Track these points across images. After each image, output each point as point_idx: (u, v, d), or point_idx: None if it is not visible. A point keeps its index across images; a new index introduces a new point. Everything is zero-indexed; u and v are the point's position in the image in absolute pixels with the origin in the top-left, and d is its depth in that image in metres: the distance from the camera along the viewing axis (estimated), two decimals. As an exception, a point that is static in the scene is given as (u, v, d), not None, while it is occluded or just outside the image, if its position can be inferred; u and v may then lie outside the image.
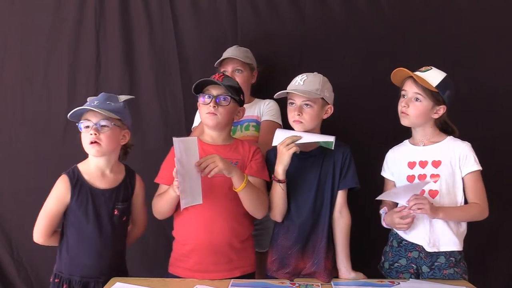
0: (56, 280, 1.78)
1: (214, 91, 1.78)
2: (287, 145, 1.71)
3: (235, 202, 1.75)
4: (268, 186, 1.82)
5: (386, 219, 1.85)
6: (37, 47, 2.54)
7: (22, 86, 2.56)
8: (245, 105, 2.20)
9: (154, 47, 2.52)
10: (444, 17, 2.43)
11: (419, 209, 1.71)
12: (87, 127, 1.73)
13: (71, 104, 2.52)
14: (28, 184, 2.55)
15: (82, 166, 1.80)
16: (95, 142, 1.71)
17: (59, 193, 1.75)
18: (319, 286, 1.74)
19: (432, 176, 1.82)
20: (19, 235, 2.59)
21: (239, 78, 2.20)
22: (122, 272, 1.84)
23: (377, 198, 1.81)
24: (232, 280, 1.75)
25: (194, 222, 1.76)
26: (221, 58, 2.25)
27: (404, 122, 1.86)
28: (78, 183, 1.75)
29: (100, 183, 1.77)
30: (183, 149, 1.59)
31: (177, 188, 1.60)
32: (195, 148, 1.63)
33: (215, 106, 1.76)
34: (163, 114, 2.53)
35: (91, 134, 1.71)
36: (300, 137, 1.72)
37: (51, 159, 2.52)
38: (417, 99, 1.81)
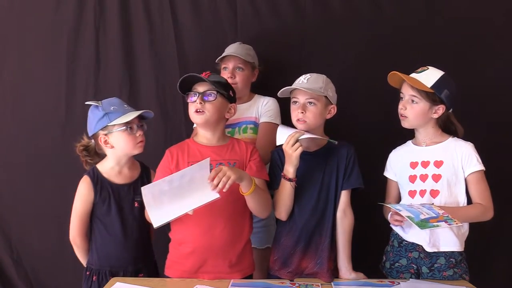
0: (87, 273, 1.90)
1: (200, 88, 1.76)
2: (292, 145, 1.70)
3: (236, 204, 1.75)
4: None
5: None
6: (36, 47, 2.53)
7: (22, 86, 2.55)
8: (244, 104, 2.20)
9: (154, 47, 2.51)
10: (445, 17, 2.42)
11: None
12: None
13: (71, 104, 2.53)
14: (28, 184, 2.55)
15: (100, 166, 1.91)
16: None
17: (84, 193, 1.87)
18: (319, 286, 1.74)
19: (434, 176, 1.82)
20: (19, 235, 2.60)
21: (239, 76, 2.20)
22: (150, 263, 1.96)
23: (383, 204, 1.79)
24: (232, 280, 1.75)
25: (194, 225, 1.74)
26: (223, 55, 2.24)
27: (404, 124, 1.86)
28: (99, 181, 1.87)
29: (118, 179, 1.90)
30: (201, 175, 1.58)
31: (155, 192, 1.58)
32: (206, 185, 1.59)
33: (201, 103, 1.74)
34: (163, 114, 2.52)
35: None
36: (302, 133, 1.72)
37: (51, 159, 2.52)
38: (413, 101, 1.81)
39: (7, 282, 2.62)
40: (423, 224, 1.61)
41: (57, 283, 2.60)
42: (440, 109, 1.82)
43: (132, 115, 1.83)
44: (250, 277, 1.85)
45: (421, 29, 2.42)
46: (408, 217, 1.64)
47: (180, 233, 1.80)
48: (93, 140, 1.92)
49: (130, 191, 1.89)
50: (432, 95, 1.79)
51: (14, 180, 2.57)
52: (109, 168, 1.90)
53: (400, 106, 1.85)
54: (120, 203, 1.87)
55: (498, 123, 2.41)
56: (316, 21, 2.46)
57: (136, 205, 1.88)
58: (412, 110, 1.81)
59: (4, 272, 2.62)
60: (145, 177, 1.94)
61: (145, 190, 1.59)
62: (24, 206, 2.56)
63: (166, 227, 1.92)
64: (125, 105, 1.88)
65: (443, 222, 1.62)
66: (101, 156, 1.94)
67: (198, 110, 1.75)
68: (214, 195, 1.59)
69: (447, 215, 1.64)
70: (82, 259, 1.93)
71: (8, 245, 2.61)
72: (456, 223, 1.62)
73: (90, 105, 1.88)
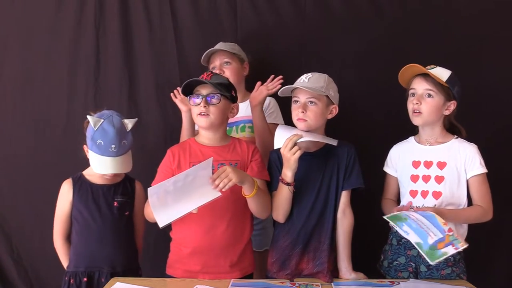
0: (66, 278, 1.89)
1: (204, 90, 1.75)
2: (290, 149, 1.67)
3: (237, 204, 1.74)
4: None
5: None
6: (37, 47, 2.53)
7: (22, 86, 2.55)
8: (241, 104, 2.19)
9: (154, 47, 2.52)
10: (444, 16, 2.43)
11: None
12: None
13: (71, 104, 2.53)
14: (28, 184, 2.55)
15: (86, 171, 1.93)
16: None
17: (63, 193, 1.90)
18: (319, 286, 1.73)
19: (437, 177, 1.81)
20: (19, 235, 2.59)
21: (228, 71, 2.19)
22: (131, 269, 1.91)
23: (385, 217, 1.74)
24: (232, 280, 1.75)
25: (195, 224, 1.73)
26: (206, 52, 2.23)
27: (417, 121, 1.83)
28: (79, 180, 1.90)
29: (100, 181, 1.90)
30: (203, 174, 1.58)
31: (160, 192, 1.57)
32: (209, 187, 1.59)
33: (205, 106, 1.73)
34: (162, 114, 2.52)
35: None
36: (300, 136, 1.69)
37: (51, 159, 2.52)
38: (429, 95, 1.79)
39: (7, 282, 2.62)
40: (433, 254, 1.59)
41: (57, 283, 2.58)
42: (452, 106, 1.81)
43: (104, 168, 1.80)
44: (250, 275, 1.85)
45: (421, 29, 2.42)
46: (417, 243, 1.63)
47: (181, 232, 1.79)
48: None
49: (111, 192, 1.89)
50: (447, 90, 1.78)
51: (14, 180, 2.57)
52: (92, 171, 1.87)
53: (414, 101, 1.80)
54: (98, 201, 1.86)
55: (497, 123, 2.41)
56: (316, 21, 2.46)
57: (115, 204, 1.88)
58: (427, 105, 1.79)
59: (4, 272, 2.62)
60: (128, 183, 1.95)
61: (151, 191, 1.58)
62: (25, 206, 2.56)
63: (167, 226, 1.93)
64: (113, 146, 1.78)
65: (450, 246, 1.60)
66: None
67: (203, 114, 1.74)
68: (215, 194, 1.59)
69: (452, 233, 1.61)
70: (63, 263, 1.93)
71: (9, 245, 2.60)
72: (462, 245, 1.59)
73: (91, 107, 1.90)
